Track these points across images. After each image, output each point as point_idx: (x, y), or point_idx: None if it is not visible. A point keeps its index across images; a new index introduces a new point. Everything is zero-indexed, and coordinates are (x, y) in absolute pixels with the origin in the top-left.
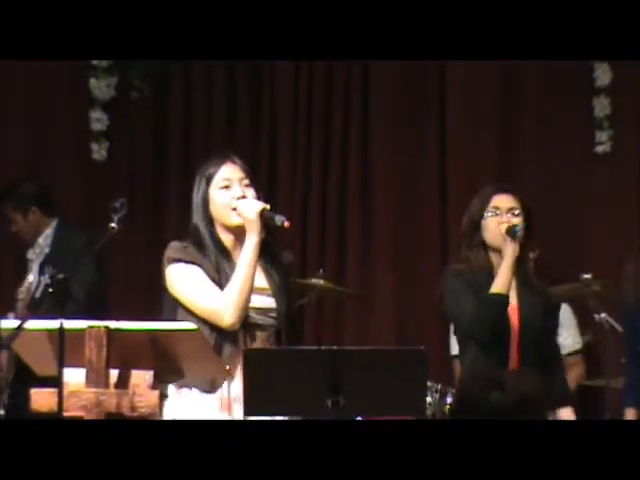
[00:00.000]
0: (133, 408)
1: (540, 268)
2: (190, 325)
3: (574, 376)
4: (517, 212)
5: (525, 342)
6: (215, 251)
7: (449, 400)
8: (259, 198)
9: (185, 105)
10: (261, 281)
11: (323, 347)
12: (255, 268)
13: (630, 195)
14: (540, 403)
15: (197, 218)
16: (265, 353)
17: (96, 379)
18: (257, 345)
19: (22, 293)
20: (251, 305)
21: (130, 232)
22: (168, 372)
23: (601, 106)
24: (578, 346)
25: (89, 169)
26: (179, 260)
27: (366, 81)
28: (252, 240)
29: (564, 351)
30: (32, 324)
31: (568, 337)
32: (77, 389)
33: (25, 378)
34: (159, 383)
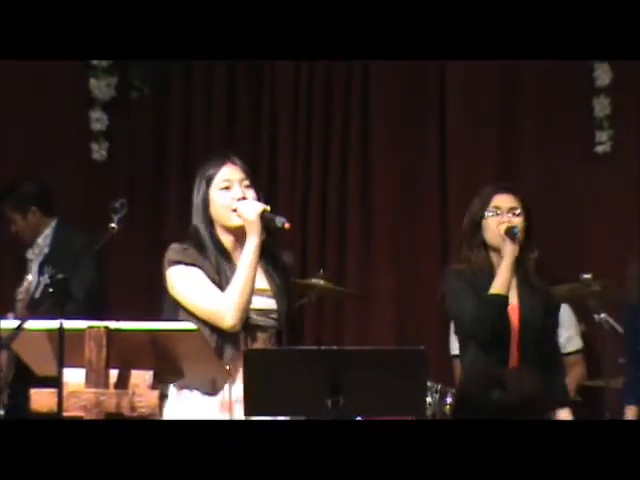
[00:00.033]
0: (133, 408)
1: (540, 268)
2: (190, 325)
3: (574, 376)
4: (518, 212)
5: (525, 342)
6: (215, 252)
7: (449, 400)
8: (259, 199)
9: (185, 105)
10: (262, 282)
11: (323, 347)
12: (256, 269)
13: (630, 195)
14: (541, 402)
15: (197, 219)
16: (265, 353)
17: (96, 379)
18: (258, 346)
19: (21, 293)
20: (252, 306)
21: (130, 232)
22: (168, 372)
23: (601, 106)
24: (578, 346)
25: (89, 169)
26: (179, 262)
27: (366, 81)
28: (252, 241)
29: (564, 351)
30: (32, 324)
31: (568, 337)
32: (77, 389)
33: (25, 378)
34: (159, 383)
